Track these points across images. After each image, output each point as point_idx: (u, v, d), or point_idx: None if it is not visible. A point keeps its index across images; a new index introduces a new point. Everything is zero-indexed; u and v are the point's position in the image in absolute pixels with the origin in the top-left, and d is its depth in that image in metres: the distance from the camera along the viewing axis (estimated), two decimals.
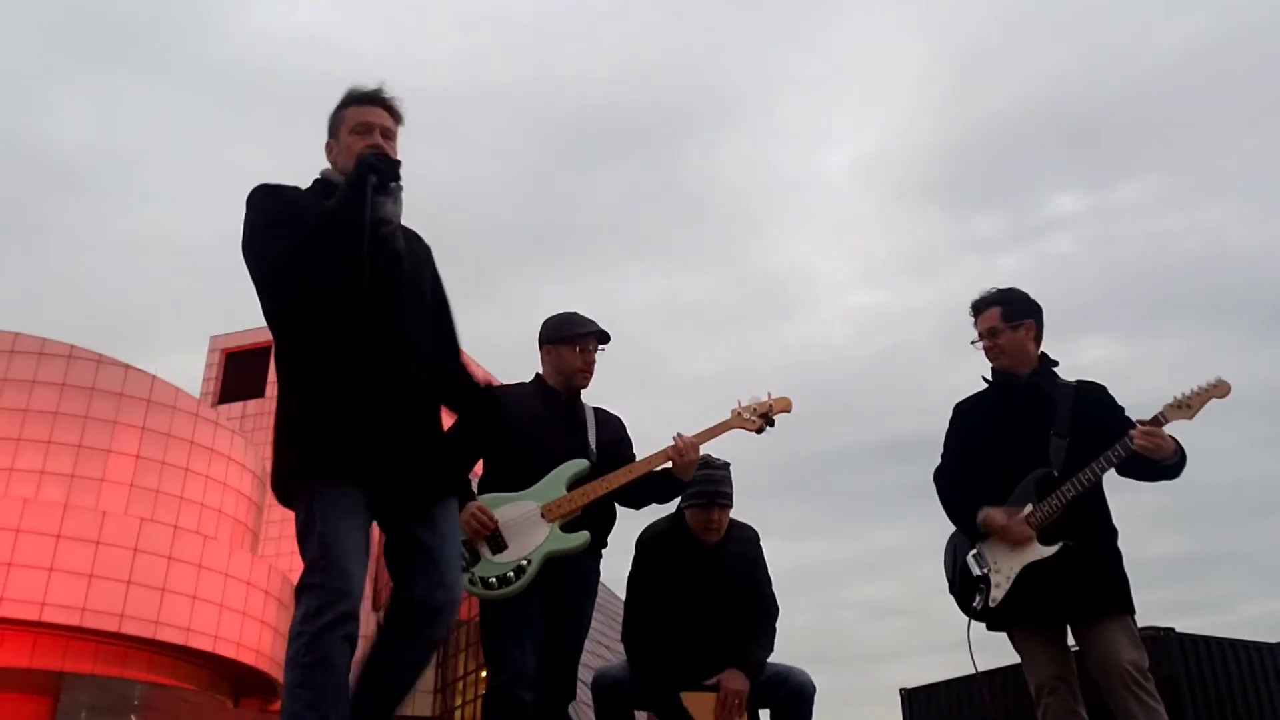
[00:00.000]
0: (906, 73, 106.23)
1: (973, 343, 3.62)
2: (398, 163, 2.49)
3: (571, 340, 3.47)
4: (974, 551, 3.42)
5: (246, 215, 2.48)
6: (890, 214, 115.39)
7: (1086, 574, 3.25)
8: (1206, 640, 12.25)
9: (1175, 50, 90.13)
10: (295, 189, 2.58)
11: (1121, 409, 3.45)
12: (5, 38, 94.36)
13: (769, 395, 3.52)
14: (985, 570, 3.37)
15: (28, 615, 15.22)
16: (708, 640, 3.67)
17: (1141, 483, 3.39)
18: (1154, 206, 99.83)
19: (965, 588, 3.43)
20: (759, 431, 3.50)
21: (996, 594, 3.30)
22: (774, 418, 3.50)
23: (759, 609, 3.79)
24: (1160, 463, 3.24)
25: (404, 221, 2.66)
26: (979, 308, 3.58)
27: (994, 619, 3.38)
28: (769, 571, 3.90)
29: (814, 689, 3.62)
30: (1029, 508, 3.32)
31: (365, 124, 2.58)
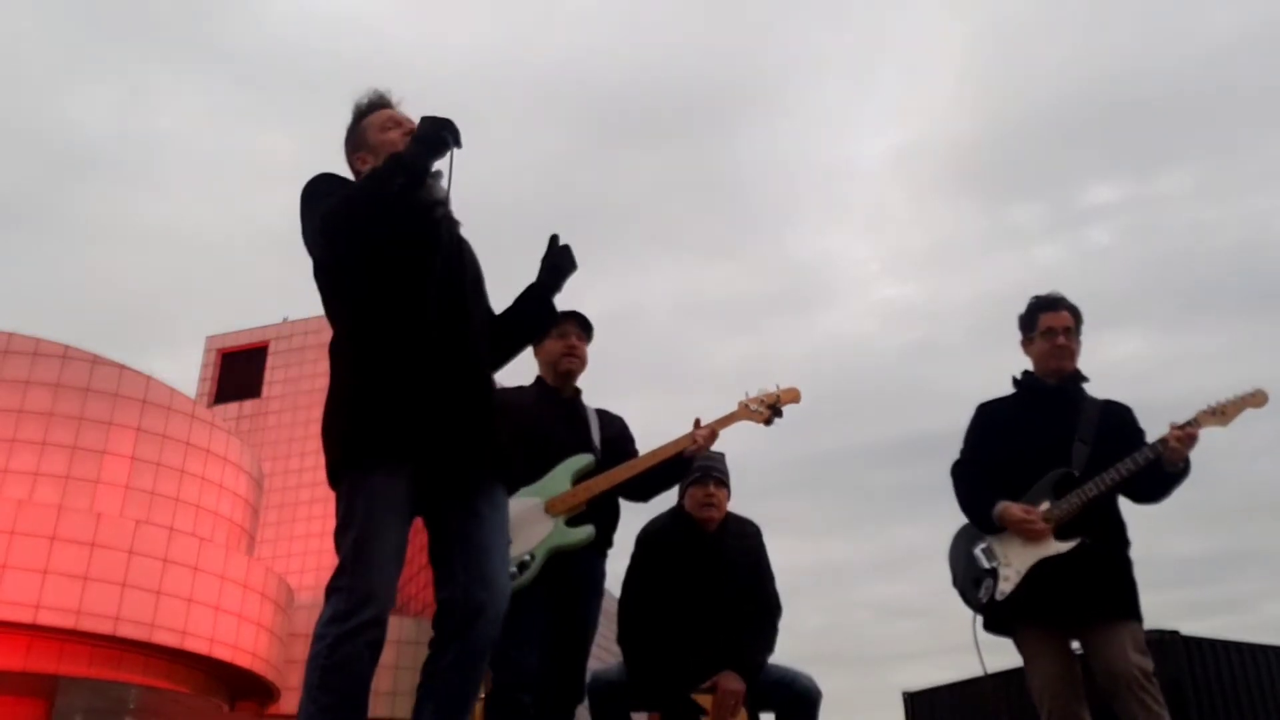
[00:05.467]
0: (946, 59, 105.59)
1: (1040, 335, 3.54)
2: (456, 124, 2.42)
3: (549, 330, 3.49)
4: (983, 545, 3.39)
5: (305, 193, 2.49)
6: (924, 204, 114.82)
7: (1097, 576, 3.23)
8: (1211, 643, 12.21)
9: (1221, 36, 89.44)
10: (352, 180, 2.60)
11: (1143, 432, 3.44)
12: (29, 21, 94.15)
13: (777, 386, 3.49)
14: (994, 564, 3.33)
15: (22, 618, 15.12)
16: (708, 636, 3.63)
17: (1139, 503, 3.36)
18: (1195, 196, 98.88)
19: (971, 580, 3.39)
20: (767, 423, 3.46)
21: (1005, 587, 3.27)
22: (782, 409, 3.46)
23: (760, 607, 3.75)
24: (1166, 468, 3.20)
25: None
26: (1055, 305, 3.57)
27: (998, 615, 3.34)
28: (771, 568, 3.86)
29: (819, 694, 3.60)
30: (1045, 504, 3.30)
31: (393, 119, 2.63)
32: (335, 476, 2.37)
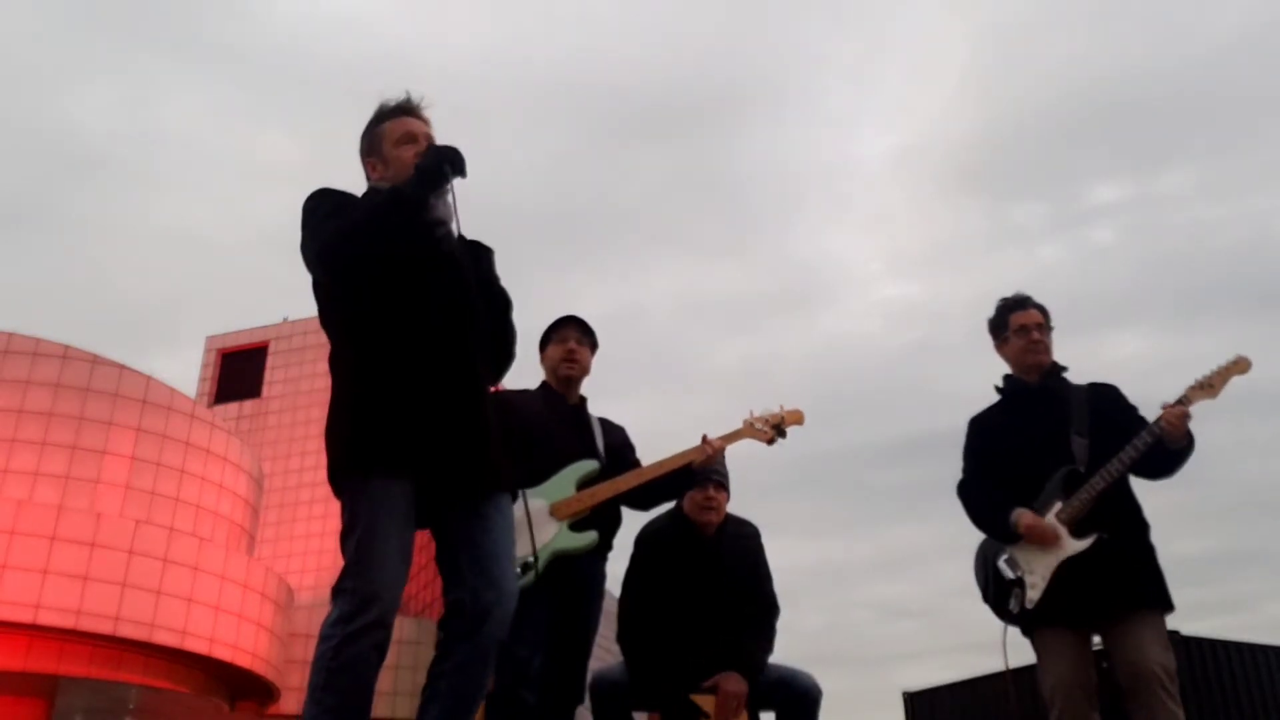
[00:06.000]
0: (949, 58, 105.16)
1: (1013, 333, 3.58)
2: (461, 155, 2.44)
3: (551, 336, 3.62)
4: (1005, 556, 3.38)
5: (304, 211, 2.50)
6: (927, 204, 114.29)
7: (1121, 569, 3.22)
8: (1211, 643, 12.22)
9: (1223, 36, 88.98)
10: (351, 194, 2.58)
11: (1135, 408, 3.45)
12: (30, 21, 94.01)
13: (781, 407, 3.56)
14: (1019, 574, 3.33)
15: (22, 618, 15.12)
16: (707, 635, 3.65)
17: (1154, 480, 3.36)
18: (1197, 196, 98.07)
19: (1000, 593, 3.39)
20: (770, 443, 3.55)
21: (1033, 595, 3.27)
22: (785, 429, 3.52)
23: (759, 608, 3.77)
24: (1170, 447, 3.21)
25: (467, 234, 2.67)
26: (1025, 304, 3.60)
27: (1030, 621, 3.33)
28: (770, 569, 3.88)
29: (820, 693, 3.62)
30: (1058, 505, 3.29)
31: (409, 133, 2.60)
32: (338, 483, 2.38)
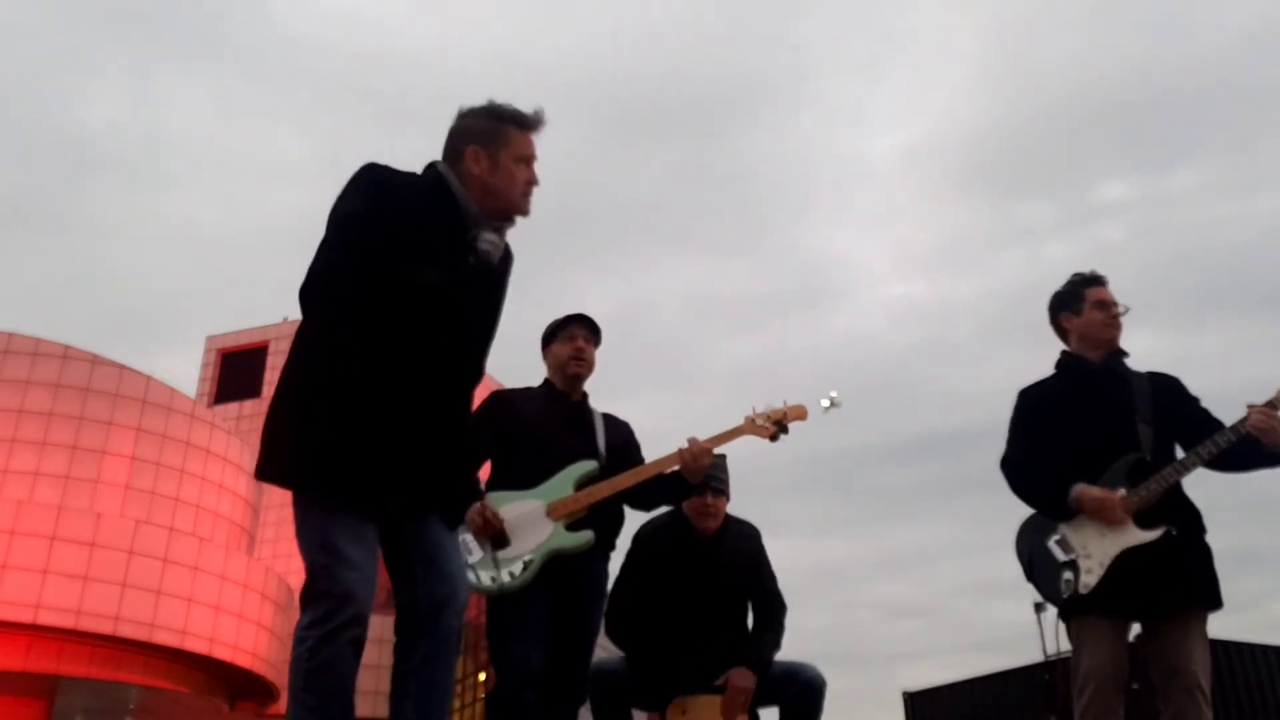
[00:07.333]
0: (957, 56, 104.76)
1: (1091, 306, 3.46)
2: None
3: (557, 333, 3.55)
4: (1056, 537, 3.26)
5: (348, 188, 2.35)
6: (934, 201, 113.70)
7: (1181, 566, 3.12)
8: (1212, 643, 12.20)
9: (1231, 34, 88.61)
10: (408, 177, 2.43)
11: (1197, 400, 3.36)
12: (36, 18, 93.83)
13: (784, 402, 3.50)
14: (1072, 556, 3.20)
15: (22, 618, 15.16)
16: (705, 635, 3.65)
17: (1224, 473, 3.26)
18: (1206, 194, 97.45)
19: (1049, 573, 3.25)
20: (772, 439, 3.48)
21: (1088, 579, 3.14)
22: (788, 425, 3.48)
23: (766, 606, 3.78)
24: (1266, 449, 3.11)
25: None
26: (1102, 280, 3.48)
27: (1074, 606, 3.20)
28: (773, 568, 3.87)
29: (824, 684, 3.64)
30: (1121, 492, 3.20)
31: (529, 156, 2.49)
32: (280, 483, 2.32)
